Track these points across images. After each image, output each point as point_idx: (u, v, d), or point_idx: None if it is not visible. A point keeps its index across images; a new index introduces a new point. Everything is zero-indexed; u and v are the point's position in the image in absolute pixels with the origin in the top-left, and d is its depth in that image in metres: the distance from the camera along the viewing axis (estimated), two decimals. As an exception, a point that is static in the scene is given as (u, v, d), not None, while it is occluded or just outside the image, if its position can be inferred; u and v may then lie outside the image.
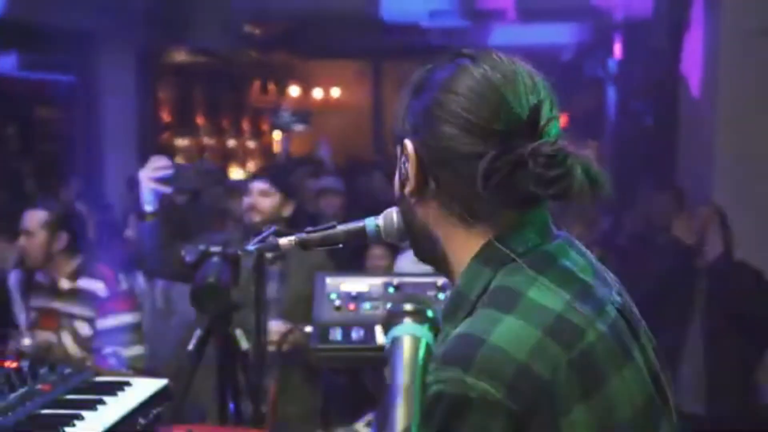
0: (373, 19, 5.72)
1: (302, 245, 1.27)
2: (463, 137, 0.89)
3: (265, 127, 13.93)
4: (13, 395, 1.50)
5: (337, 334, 2.02)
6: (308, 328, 2.14)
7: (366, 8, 5.67)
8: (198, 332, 2.13)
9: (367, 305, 2.14)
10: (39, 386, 1.57)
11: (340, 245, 1.23)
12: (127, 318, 2.68)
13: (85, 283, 2.68)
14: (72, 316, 2.65)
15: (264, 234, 1.69)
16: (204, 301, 2.04)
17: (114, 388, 1.61)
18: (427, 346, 0.75)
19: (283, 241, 1.26)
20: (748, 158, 4.07)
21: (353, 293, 2.15)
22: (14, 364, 1.65)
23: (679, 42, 4.49)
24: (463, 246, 0.93)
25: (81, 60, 7.36)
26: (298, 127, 13.44)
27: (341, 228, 1.25)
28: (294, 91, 13.40)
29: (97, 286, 2.66)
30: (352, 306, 2.13)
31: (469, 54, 0.95)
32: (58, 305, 2.68)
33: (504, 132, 0.88)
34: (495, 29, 5.63)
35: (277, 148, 14.16)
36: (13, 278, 2.94)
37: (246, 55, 10.30)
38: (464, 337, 0.82)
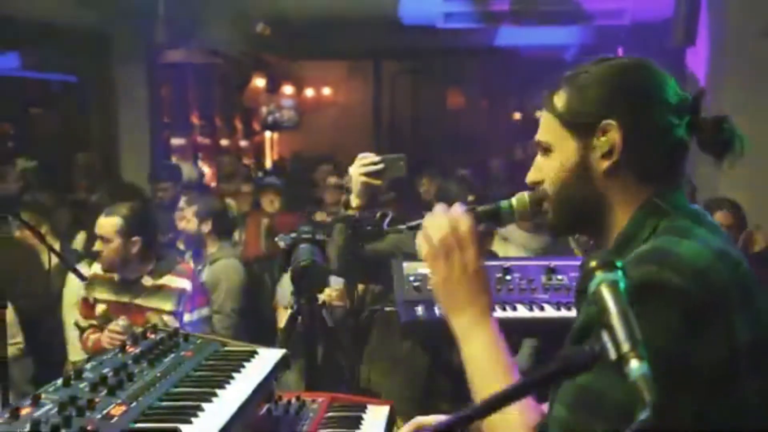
0: (389, 20, 5.91)
1: None
2: (659, 113, 1.18)
3: (257, 126, 14.05)
4: (166, 360, 1.70)
5: (421, 311, 2.25)
6: (388, 308, 2.36)
7: (383, 9, 5.86)
8: (290, 311, 2.34)
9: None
10: (183, 353, 1.77)
11: (480, 224, 1.45)
12: (204, 311, 2.91)
13: (171, 280, 2.89)
14: (159, 311, 2.86)
15: (388, 219, 1.92)
16: (301, 281, 2.24)
17: (247, 356, 1.81)
18: (624, 283, 0.97)
19: None
20: (753, 158, 4.33)
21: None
22: (153, 335, 1.85)
23: (686, 43, 4.75)
24: (630, 202, 1.19)
25: (91, 59, 7.46)
26: (290, 127, 13.59)
27: (480, 209, 1.48)
28: (288, 90, 13.55)
29: (185, 284, 2.87)
30: (429, 286, 2.35)
31: (629, 56, 1.27)
32: (141, 302, 2.89)
33: (683, 108, 1.19)
34: (505, 31, 5.87)
35: (268, 146, 14.30)
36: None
37: (247, 55, 10.42)
38: (653, 249, 1.10)
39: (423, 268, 2.40)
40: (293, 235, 2.31)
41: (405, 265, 2.39)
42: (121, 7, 6.57)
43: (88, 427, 1.24)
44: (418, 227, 1.51)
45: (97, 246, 2.92)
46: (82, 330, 3.04)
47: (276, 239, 2.36)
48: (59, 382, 1.44)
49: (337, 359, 2.38)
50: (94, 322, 3.02)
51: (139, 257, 2.87)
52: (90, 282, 3.07)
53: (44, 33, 6.82)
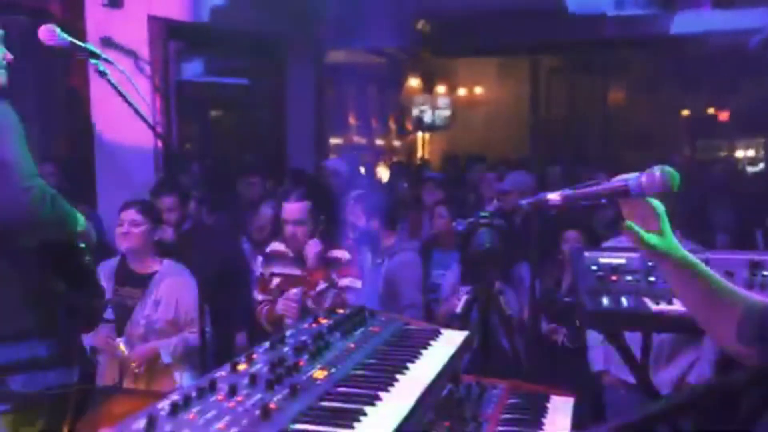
0: (552, 11, 5.73)
1: None
2: None
3: (409, 125, 14.25)
4: (356, 333, 1.75)
5: (606, 301, 2.14)
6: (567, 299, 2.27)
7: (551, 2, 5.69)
8: (466, 296, 2.33)
9: (628, 276, 2.25)
10: (371, 328, 1.81)
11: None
12: (347, 281, 3.09)
13: (334, 253, 3.18)
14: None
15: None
16: (479, 266, 2.22)
17: (433, 334, 1.82)
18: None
19: None
20: None
21: (613, 265, 2.26)
22: (341, 310, 1.92)
23: None
24: None
25: (266, 63, 7.91)
26: (443, 127, 13.64)
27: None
28: (441, 89, 13.61)
29: (342, 254, 3.15)
30: (614, 277, 2.24)
31: None
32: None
33: None
34: (682, 15, 5.46)
35: (419, 146, 14.45)
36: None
37: (405, 53, 10.57)
38: None
39: (605, 258, 2.29)
40: (471, 219, 2.29)
41: (587, 254, 2.29)
42: (292, 10, 6.91)
43: (298, 386, 1.30)
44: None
45: (288, 230, 3.23)
46: (258, 303, 3.38)
47: (453, 224, 2.36)
48: (266, 345, 1.53)
49: (513, 346, 2.33)
50: (269, 297, 3.32)
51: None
52: (266, 259, 3.39)
53: (225, 39, 7.33)
